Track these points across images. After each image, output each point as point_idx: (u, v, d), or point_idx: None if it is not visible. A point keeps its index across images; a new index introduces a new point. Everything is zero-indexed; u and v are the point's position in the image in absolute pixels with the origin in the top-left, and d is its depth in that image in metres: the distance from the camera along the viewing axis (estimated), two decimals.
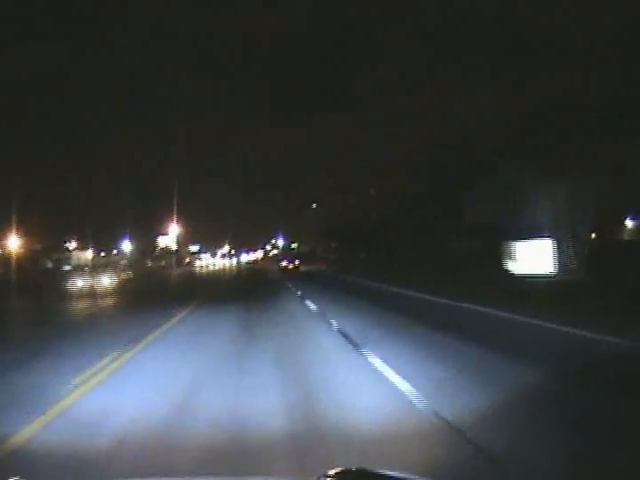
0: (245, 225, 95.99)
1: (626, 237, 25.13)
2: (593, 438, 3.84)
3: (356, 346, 7.90)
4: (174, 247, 63.59)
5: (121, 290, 26.81)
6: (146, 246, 65.48)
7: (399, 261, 29.31)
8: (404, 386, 5.34)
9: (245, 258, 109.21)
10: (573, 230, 17.73)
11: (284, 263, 55.06)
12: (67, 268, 44.50)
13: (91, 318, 15.11)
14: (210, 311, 14.88)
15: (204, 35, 72.44)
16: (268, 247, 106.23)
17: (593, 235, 20.07)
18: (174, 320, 12.50)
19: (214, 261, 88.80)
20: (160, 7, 67.57)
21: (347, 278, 30.56)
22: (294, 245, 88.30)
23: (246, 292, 21.33)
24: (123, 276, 35.16)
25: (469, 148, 23.82)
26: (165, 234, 64.10)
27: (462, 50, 31.66)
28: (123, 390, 5.78)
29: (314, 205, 60.13)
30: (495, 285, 14.79)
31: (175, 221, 56.71)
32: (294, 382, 5.90)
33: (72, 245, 63.02)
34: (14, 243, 37.16)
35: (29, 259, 45.42)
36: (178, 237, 62.29)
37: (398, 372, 5.88)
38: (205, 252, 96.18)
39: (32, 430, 4.41)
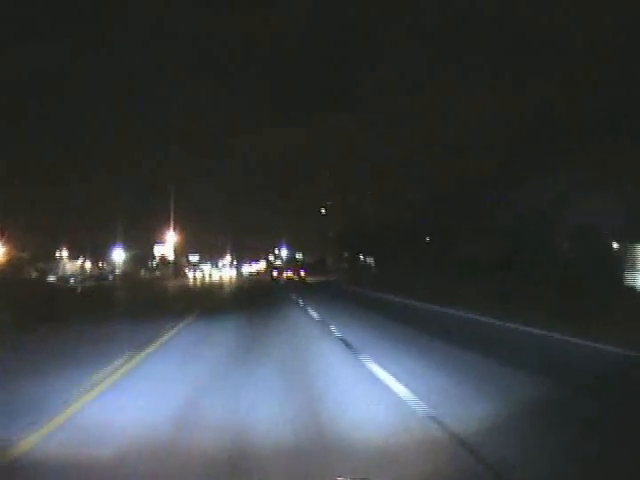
0: (247, 234, 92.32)
1: None
2: None
3: None
4: (171, 257, 59.39)
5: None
6: (141, 255, 61.65)
7: (436, 271, 24.33)
8: None
9: (247, 269, 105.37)
10: None
11: (289, 274, 53.76)
12: (52, 279, 40.33)
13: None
14: (197, 343, 10.87)
15: (204, 35, 71.37)
16: (271, 257, 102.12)
17: None
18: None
19: (213, 272, 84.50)
20: (160, 7, 65.84)
21: (376, 295, 25.65)
22: (299, 256, 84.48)
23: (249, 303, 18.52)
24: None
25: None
26: (162, 243, 60.22)
27: (462, 50, 31.05)
28: None
29: (323, 210, 55.58)
30: (620, 308, 10.54)
31: (172, 228, 53.01)
32: None
33: (64, 253, 59.26)
34: None
35: (12, 268, 41.92)
36: (175, 246, 58.30)
37: None
38: (206, 262, 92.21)
39: None
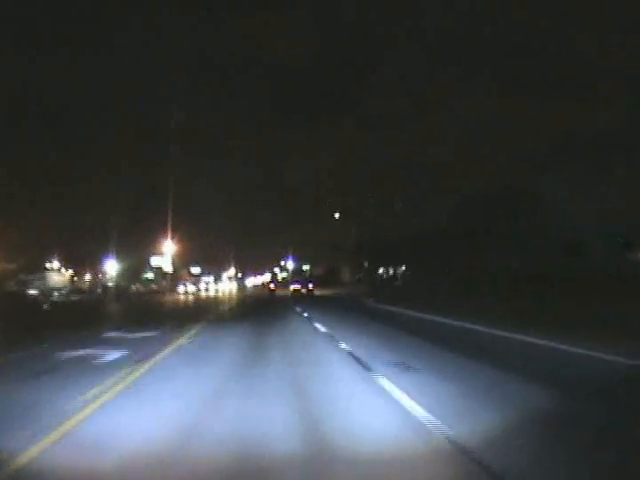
0: (251, 246, 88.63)
1: None
2: None
3: None
4: (169, 268, 54.96)
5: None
6: (136, 266, 57.66)
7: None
8: None
9: (252, 282, 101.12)
10: None
11: (296, 286, 51.73)
12: (32, 292, 36.21)
13: None
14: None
15: (204, 36, 68.61)
16: (276, 270, 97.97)
17: None
18: None
19: (210, 286, 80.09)
20: (160, 7, 64.46)
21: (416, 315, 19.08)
22: (305, 267, 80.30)
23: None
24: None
25: None
26: (159, 254, 55.99)
27: (462, 53, 29.82)
28: None
29: (337, 215, 50.98)
30: None
31: (169, 236, 49.03)
32: None
33: (54, 264, 55.21)
34: None
35: None
36: (174, 257, 54.12)
37: None
38: (208, 274, 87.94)
39: None
